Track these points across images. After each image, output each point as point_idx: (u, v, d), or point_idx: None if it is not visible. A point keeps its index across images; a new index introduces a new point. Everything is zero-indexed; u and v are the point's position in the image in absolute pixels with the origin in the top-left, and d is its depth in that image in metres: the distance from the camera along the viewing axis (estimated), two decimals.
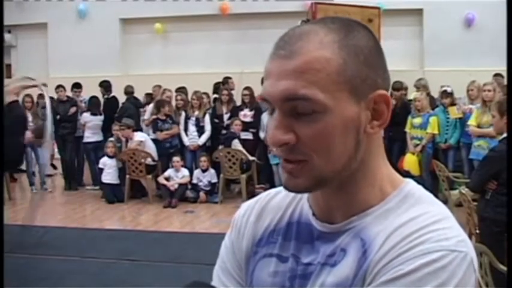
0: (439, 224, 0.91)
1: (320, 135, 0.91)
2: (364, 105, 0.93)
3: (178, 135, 9.27)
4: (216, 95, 10.05)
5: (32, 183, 9.57)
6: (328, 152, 0.92)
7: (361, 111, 0.93)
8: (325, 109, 0.90)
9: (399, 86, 9.04)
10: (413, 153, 8.13)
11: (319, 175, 0.93)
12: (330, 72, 0.90)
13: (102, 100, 10.31)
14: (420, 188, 1.01)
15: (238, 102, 9.62)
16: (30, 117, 9.98)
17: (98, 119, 9.93)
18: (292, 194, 1.09)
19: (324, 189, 0.97)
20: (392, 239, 0.91)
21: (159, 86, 10.42)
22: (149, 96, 10.49)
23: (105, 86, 10.37)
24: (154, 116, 9.23)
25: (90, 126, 9.87)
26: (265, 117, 8.87)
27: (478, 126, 7.22)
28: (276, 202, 1.12)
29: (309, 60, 0.90)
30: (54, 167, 11.19)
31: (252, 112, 9.18)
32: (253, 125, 9.13)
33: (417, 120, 8.20)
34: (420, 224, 0.91)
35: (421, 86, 9.07)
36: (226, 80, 10.34)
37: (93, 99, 10.13)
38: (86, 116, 9.80)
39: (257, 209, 1.13)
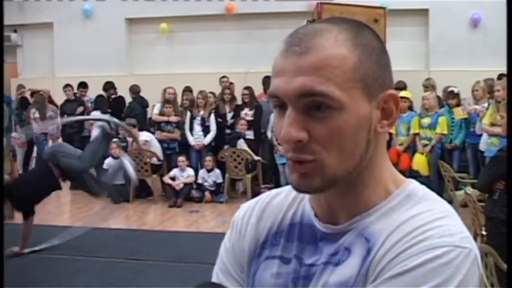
0: (442, 220, 0.91)
1: (333, 133, 0.90)
2: (375, 104, 0.94)
3: (179, 140, 9.29)
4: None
5: None
6: (340, 151, 0.91)
7: (372, 110, 0.93)
8: (340, 106, 0.90)
9: (402, 86, 9.03)
10: (422, 154, 8.10)
11: (332, 175, 0.92)
12: (346, 69, 0.90)
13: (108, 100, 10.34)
14: (423, 187, 1.00)
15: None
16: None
17: None
18: (292, 195, 1.09)
19: (330, 190, 0.96)
20: (395, 236, 0.91)
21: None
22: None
23: (109, 87, 10.40)
24: (164, 118, 9.26)
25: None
26: (273, 116, 8.88)
27: (492, 124, 7.10)
28: (277, 203, 1.11)
29: (325, 56, 0.90)
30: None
31: (252, 111, 9.24)
32: (254, 123, 9.20)
33: (426, 121, 8.14)
34: (423, 220, 0.91)
35: (429, 85, 9.05)
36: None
37: (99, 97, 10.13)
38: (94, 115, 9.76)
39: (257, 210, 1.12)
